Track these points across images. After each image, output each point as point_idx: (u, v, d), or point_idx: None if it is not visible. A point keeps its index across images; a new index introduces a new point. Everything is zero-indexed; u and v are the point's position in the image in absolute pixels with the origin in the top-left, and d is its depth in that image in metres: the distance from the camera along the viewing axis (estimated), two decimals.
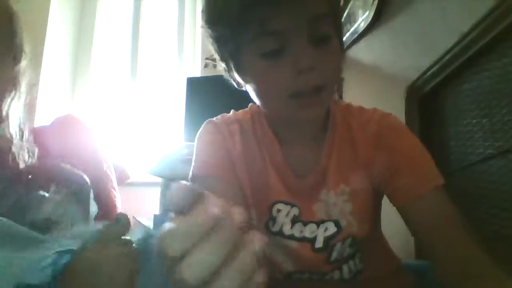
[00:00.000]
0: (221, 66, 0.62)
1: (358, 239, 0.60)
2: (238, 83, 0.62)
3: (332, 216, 0.59)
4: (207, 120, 0.65)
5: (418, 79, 0.97)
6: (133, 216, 2.23)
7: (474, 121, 0.81)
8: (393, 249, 0.71)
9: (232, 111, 0.68)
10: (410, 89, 1.02)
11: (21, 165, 0.68)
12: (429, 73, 0.93)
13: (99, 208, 0.96)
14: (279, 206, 0.59)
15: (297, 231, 0.59)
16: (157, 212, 1.80)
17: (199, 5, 2.72)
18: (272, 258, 0.61)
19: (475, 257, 0.49)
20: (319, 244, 0.59)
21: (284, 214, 0.59)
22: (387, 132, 0.59)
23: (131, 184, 2.17)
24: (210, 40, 0.58)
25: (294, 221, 0.59)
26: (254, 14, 0.49)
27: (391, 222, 0.69)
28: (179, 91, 2.54)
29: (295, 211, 0.59)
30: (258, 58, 0.52)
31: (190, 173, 0.61)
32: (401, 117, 1.03)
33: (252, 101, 0.62)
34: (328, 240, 0.59)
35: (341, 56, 0.57)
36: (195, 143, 0.64)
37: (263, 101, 0.57)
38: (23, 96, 0.74)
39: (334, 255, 0.59)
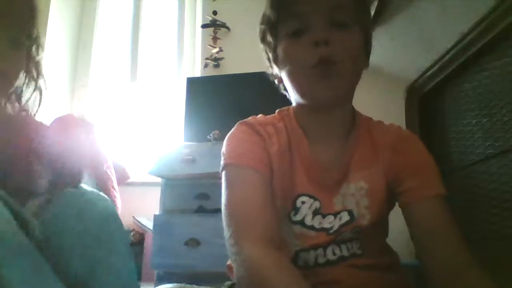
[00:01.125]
0: (270, 70, 0.71)
1: (362, 228, 0.65)
2: (279, 79, 0.70)
3: (347, 206, 0.65)
4: (239, 121, 0.70)
5: (418, 79, 0.97)
6: (133, 216, 2.23)
7: (474, 121, 0.81)
8: (396, 249, 0.72)
9: (260, 115, 0.73)
10: (410, 89, 1.02)
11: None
12: (429, 73, 0.93)
13: None
14: (304, 198, 0.65)
15: (316, 222, 0.65)
16: (157, 212, 1.80)
17: (199, 6, 2.72)
18: (284, 240, 0.67)
19: (463, 262, 0.57)
20: (333, 230, 0.65)
21: (307, 206, 0.65)
22: (405, 140, 0.68)
23: (131, 184, 2.17)
24: (261, 45, 0.70)
25: (315, 213, 0.65)
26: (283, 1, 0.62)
27: (395, 224, 0.69)
28: (179, 91, 2.55)
29: (316, 204, 0.65)
30: (286, 38, 0.62)
31: (222, 163, 0.66)
32: (401, 117, 1.03)
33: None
34: (341, 227, 0.65)
35: (360, 43, 0.63)
36: (225, 141, 0.68)
37: (290, 79, 0.64)
38: (32, 86, 0.75)
39: (340, 236, 0.66)
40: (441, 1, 0.88)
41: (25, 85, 0.74)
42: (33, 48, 0.73)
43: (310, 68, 0.59)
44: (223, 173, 0.65)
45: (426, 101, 1.00)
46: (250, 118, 0.70)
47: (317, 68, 0.59)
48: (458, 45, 0.80)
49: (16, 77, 0.70)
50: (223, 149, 0.67)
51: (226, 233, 0.59)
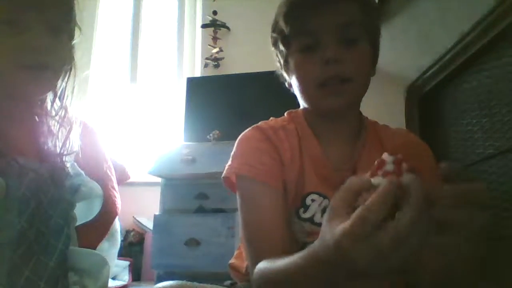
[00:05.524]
0: (279, 72, 0.73)
1: None
2: (289, 83, 0.72)
3: None
4: (253, 126, 0.71)
5: (418, 79, 0.98)
6: (133, 216, 2.23)
7: (474, 121, 0.81)
8: None
9: (271, 118, 0.74)
10: (410, 89, 1.02)
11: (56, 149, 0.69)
12: (429, 73, 0.93)
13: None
14: (313, 196, 0.66)
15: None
16: (157, 212, 1.80)
17: (199, 5, 2.72)
18: (292, 233, 0.69)
19: None
20: None
21: (317, 204, 0.66)
22: (413, 143, 0.71)
23: (131, 184, 2.16)
24: (272, 48, 0.71)
25: (324, 211, 0.66)
26: (296, 15, 0.63)
27: None
28: (179, 91, 2.55)
29: (326, 203, 0.66)
30: (297, 52, 0.65)
31: (234, 171, 0.67)
32: (401, 117, 1.03)
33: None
34: None
35: (369, 58, 0.66)
36: (237, 143, 0.70)
37: (300, 92, 0.67)
38: (78, 73, 0.72)
39: None
40: (441, 1, 0.88)
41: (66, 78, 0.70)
42: (70, 33, 0.69)
43: (320, 85, 0.62)
44: (238, 183, 0.67)
45: (426, 101, 1.00)
46: (262, 123, 0.72)
47: (327, 86, 0.61)
48: (458, 45, 0.80)
49: (61, 68, 0.67)
50: (235, 150, 0.69)
51: (246, 251, 0.63)
